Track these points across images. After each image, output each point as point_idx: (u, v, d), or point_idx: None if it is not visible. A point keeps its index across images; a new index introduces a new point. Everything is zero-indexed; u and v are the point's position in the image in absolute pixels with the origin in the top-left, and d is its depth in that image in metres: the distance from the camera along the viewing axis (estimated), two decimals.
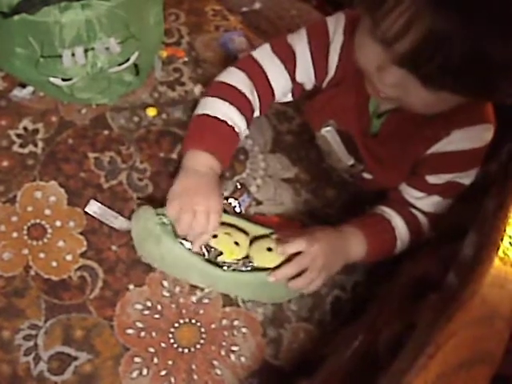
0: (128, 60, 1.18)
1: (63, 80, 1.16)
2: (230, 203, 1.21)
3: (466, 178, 1.12)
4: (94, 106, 1.28)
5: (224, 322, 1.12)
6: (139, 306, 1.11)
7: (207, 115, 1.11)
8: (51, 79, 1.15)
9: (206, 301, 1.13)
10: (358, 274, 1.21)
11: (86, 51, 1.11)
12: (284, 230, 1.13)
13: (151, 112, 1.29)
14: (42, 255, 1.12)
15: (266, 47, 1.17)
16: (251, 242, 1.11)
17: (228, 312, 1.13)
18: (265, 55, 1.16)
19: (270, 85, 1.16)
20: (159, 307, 1.11)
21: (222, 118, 1.10)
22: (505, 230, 0.88)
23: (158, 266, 1.12)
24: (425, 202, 1.16)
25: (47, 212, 1.16)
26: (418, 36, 0.78)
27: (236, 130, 1.11)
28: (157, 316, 1.10)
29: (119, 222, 1.16)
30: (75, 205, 1.18)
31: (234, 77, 1.15)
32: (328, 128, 1.17)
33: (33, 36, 1.07)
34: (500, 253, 0.83)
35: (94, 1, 1.05)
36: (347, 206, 1.29)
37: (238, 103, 1.12)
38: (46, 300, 1.09)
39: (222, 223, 1.10)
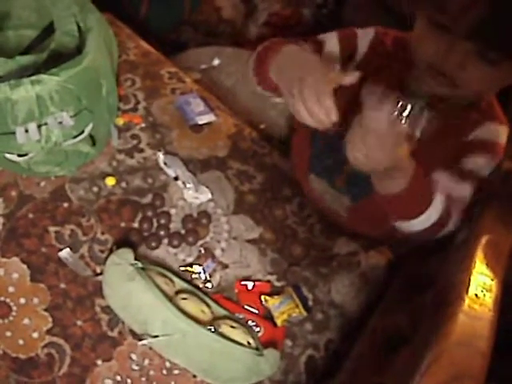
0: (83, 132, 1.17)
1: (19, 155, 1.15)
2: (194, 270, 1.20)
3: (486, 170, 1.16)
4: (52, 178, 1.27)
5: None
6: (109, 382, 1.08)
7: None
8: (7, 155, 1.14)
9: (176, 372, 1.10)
10: (331, 332, 1.20)
11: (39, 126, 1.09)
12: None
13: (110, 181, 1.28)
14: (8, 333, 1.10)
15: None
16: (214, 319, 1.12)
17: (199, 381, 1.10)
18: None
19: None
20: (129, 381, 1.09)
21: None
22: (469, 283, 0.87)
23: (121, 311, 1.10)
24: (458, 192, 1.17)
25: (11, 289, 1.14)
26: (484, 4, 0.88)
27: None
28: None
29: (88, 272, 1.17)
30: (38, 281, 1.16)
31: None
32: None
33: None
34: (465, 307, 0.83)
35: (44, 76, 1.04)
36: (315, 263, 1.28)
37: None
38: (15, 379, 1.06)
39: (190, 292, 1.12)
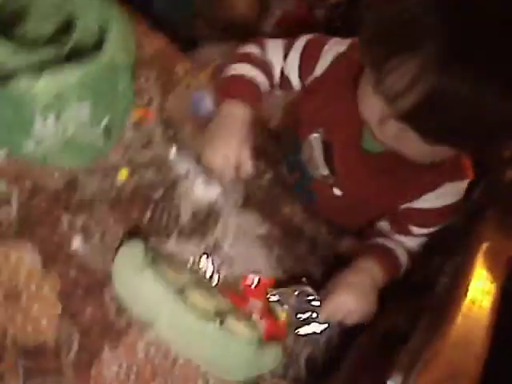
0: (99, 125, 1.20)
1: (36, 146, 1.17)
2: (202, 264, 1.23)
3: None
4: (66, 169, 1.29)
5: (199, 382, 1.13)
6: (115, 368, 1.11)
7: (232, 75, 1.29)
8: (24, 145, 1.17)
9: (181, 361, 1.13)
10: (331, 329, 1.22)
11: (57, 118, 1.12)
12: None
13: (123, 174, 1.30)
14: (18, 319, 1.12)
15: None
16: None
17: (203, 372, 1.13)
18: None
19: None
20: (135, 368, 1.12)
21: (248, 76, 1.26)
22: (468, 287, 0.90)
23: (129, 301, 1.13)
24: (414, 243, 1.22)
25: (22, 276, 1.16)
26: (420, 96, 0.81)
27: (260, 87, 1.28)
28: (133, 377, 1.11)
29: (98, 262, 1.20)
30: (49, 268, 1.18)
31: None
32: (316, 135, 1.24)
33: (7, 103, 1.09)
34: (463, 310, 0.85)
35: (64, 70, 1.07)
36: (320, 261, 1.31)
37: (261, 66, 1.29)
38: (23, 365, 1.09)
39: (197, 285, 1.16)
